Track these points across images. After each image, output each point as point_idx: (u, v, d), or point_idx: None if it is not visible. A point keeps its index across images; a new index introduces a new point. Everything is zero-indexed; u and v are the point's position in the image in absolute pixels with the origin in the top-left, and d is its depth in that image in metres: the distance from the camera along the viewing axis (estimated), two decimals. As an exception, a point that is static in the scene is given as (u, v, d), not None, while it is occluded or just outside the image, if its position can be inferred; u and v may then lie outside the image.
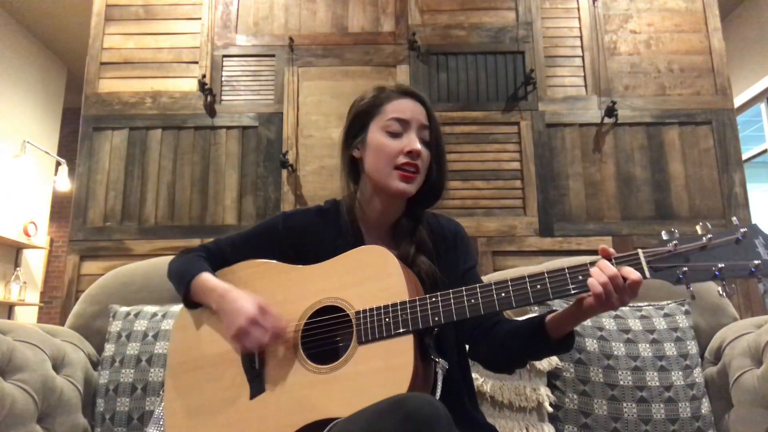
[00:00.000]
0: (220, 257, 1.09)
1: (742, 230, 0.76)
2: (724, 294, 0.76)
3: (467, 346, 1.06)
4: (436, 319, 0.85)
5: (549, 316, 0.91)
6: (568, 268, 0.81)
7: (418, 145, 0.99)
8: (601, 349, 1.32)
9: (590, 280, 0.79)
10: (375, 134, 1.02)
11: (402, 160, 0.98)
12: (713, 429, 1.27)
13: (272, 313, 0.93)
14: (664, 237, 0.79)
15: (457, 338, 1.02)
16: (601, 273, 0.78)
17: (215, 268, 1.07)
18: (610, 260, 0.80)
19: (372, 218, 1.07)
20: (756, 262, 0.74)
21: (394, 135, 1.00)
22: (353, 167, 1.08)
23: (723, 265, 0.75)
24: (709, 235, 0.76)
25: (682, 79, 2.36)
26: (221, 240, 1.12)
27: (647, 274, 0.78)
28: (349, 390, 0.85)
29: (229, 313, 0.94)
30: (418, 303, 0.87)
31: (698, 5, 2.42)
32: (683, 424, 1.24)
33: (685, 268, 0.76)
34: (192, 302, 1.04)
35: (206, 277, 1.00)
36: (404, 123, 1.01)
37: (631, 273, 0.78)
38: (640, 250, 0.79)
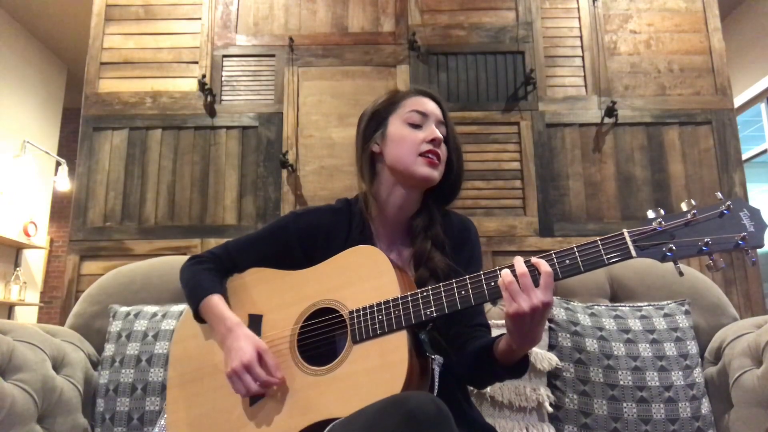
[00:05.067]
0: (229, 263, 1.09)
1: (726, 204, 0.76)
2: (714, 268, 0.76)
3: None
4: (429, 312, 0.85)
5: (499, 338, 0.90)
6: (555, 253, 0.81)
7: (439, 134, 1.02)
8: (601, 349, 1.32)
9: (499, 281, 0.80)
10: (396, 126, 1.04)
11: (426, 147, 1.00)
12: (713, 429, 1.27)
13: (270, 361, 0.92)
14: (650, 216, 0.79)
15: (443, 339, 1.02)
16: (509, 273, 0.80)
17: (225, 274, 1.07)
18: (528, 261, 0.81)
19: (389, 215, 1.07)
20: (743, 234, 0.74)
21: (415, 126, 1.03)
22: (370, 165, 1.08)
23: (709, 239, 0.75)
24: (693, 211, 0.77)
25: (682, 79, 2.36)
26: (231, 245, 1.11)
27: (633, 253, 0.77)
28: (346, 390, 0.85)
29: (229, 350, 0.94)
30: (410, 298, 0.87)
31: (698, 5, 2.42)
32: (683, 424, 1.24)
33: (672, 245, 0.76)
34: (201, 318, 1.05)
35: (215, 302, 1.01)
36: (424, 115, 1.03)
37: (542, 265, 0.79)
38: (625, 230, 0.79)
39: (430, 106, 1.05)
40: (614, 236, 0.79)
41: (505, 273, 0.80)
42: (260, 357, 0.92)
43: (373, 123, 1.07)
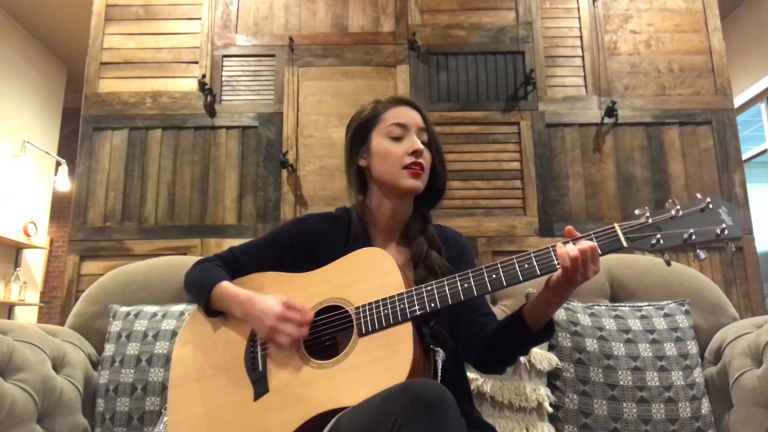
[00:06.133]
0: (235, 266, 1.11)
1: (707, 201, 0.85)
2: (696, 258, 0.83)
3: (459, 348, 1.08)
4: (432, 305, 0.88)
5: (525, 307, 0.96)
6: (552, 246, 0.87)
7: (420, 145, 1.04)
8: (601, 349, 1.32)
9: (560, 251, 0.84)
10: (378, 141, 1.07)
11: (408, 160, 1.03)
12: (713, 429, 1.27)
13: (297, 306, 0.95)
14: (637, 213, 0.87)
15: (451, 335, 1.04)
16: (572, 246, 0.84)
17: (231, 277, 1.09)
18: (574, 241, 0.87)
19: (382, 223, 1.10)
20: (722, 226, 0.83)
21: (397, 139, 1.06)
22: (360, 177, 1.13)
23: (692, 230, 0.83)
24: (677, 207, 0.86)
25: (682, 79, 2.36)
26: (236, 249, 1.14)
27: (624, 243, 0.85)
28: (352, 380, 0.87)
29: (256, 316, 0.95)
30: (414, 292, 0.90)
31: (698, 5, 2.42)
32: (683, 424, 1.24)
33: (659, 236, 0.84)
34: (212, 310, 1.05)
35: (227, 285, 1.03)
36: (404, 127, 1.06)
37: (588, 243, 0.85)
38: (615, 224, 0.87)
39: (410, 115, 1.08)
40: (606, 229, 0.86)
41: (570, 246, 0.84)
42: (287, 305, 0.94)
43: (358, 138, 1.11)
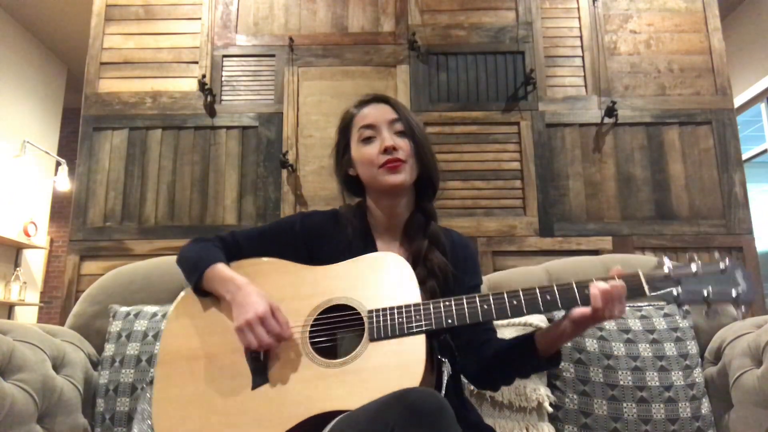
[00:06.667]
0: (235, 249, 1.10)
1: (725, 262, 0.90)
2: (709, 316, 0.84)
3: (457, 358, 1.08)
4: (449, 321, 0.88)
5: (537, 333, 0.96)
6: (576, 282, 0.88)
7: (390, 141, 1.03)
8: (601, 349, 1.32)
9: (592, 291, 0.86)
10: (355, 148, 1.08)
11: (382, 159, 1.03)
12: (713, 429, 1.27)
13: (282, 318, 0.93)
14: (657, 262, 0.91)
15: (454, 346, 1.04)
16: (604, 282, 0.86)
17: (229, 260, 1.07)
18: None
19: (383, 222, 1.10)
20: (739, 289, 0.88)
21: (368, 141, 1.06)
22: (352, 184, 1.14)
23: (711, 289, 0.88)
24: (699, 263, 0.90)
25: (682, 79, 2.36)
26: (238, 233, 1.14)
27: (647, 291, 0.87)
28: (359, 384, 0.86)
29: (241, 304, 0.94)
30: (431, 305, 0.90)
31: (698, 5, 2.42)
32: (683, 424, 1.24)
33: (680, 289, 0.88)
34: (202, 290, 1.03)
35: (222, 267, 1.01)
36: (372, 127, 1.06)
37: (618, 282, 0.87)
38: (639, 270, 0.89)
39: (375, 112, 1.07)
40: (629, 274, 0.89)
41: (602, 283, 0.87)
42: (273, 311, 0.93)
43: (340, 149, 1.13)
